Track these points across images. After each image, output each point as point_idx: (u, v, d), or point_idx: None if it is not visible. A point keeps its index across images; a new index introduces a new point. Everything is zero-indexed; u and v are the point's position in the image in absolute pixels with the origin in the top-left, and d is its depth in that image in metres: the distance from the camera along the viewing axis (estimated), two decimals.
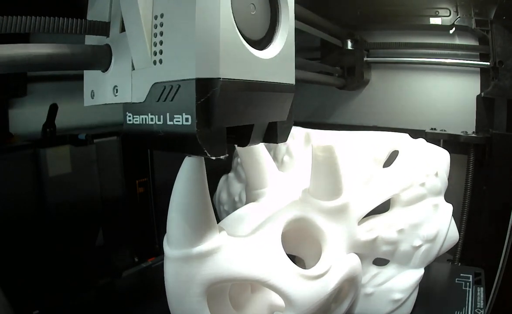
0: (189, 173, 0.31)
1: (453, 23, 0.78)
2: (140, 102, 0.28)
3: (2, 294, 0.37)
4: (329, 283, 0.37)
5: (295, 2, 0.32)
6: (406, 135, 0.49)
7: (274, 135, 0.33)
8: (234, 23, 0.26)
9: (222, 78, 0.25)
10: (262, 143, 0.36)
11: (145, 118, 0.28)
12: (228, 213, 0.47)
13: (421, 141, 0.49)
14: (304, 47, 0.94)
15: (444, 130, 0.78)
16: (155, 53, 0.27)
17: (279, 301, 0.39)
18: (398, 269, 0.45)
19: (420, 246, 0.44)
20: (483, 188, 0.75)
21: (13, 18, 0.25)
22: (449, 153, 0.49)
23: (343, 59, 0.88)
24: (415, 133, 0.50)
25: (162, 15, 0.26)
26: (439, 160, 0.48)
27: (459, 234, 0.52)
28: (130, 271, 0.63)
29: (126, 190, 0.67)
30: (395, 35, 0.85)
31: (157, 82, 0.27)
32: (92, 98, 0.33)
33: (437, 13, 0.80)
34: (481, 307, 0.49)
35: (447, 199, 0.47)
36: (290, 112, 0.34)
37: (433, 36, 0.82)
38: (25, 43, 0.26)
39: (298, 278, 0.36)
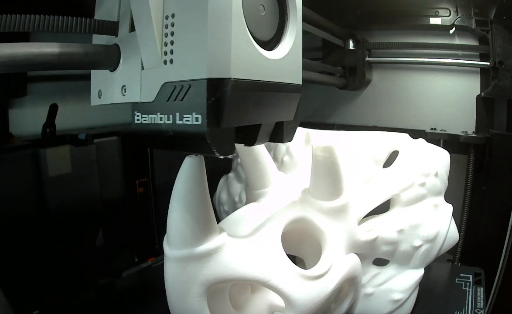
0: (189, 173, 0.31)
1: (453, 23, 0.78)
2: (149, 102, 0.28)
3: (2, 294, 0.37)
4: (329, 283, 0.37)
5: None
6: (406, 135, 0.49)
7: (280, 134, 0.34)
8: (245, 24, 0.26)
9: (233, 78, 0.25)
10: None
11: (154, 118, 0.28)
12: (228, 213, 0.47)
13: (421, 141, 0.49)
14: (305, 47, 0.93)
15: (444, 130, 0.78)
16: (165, 53, 0.27)
17: (279, 301, 0.38)
18: (398, 269, 0.45)
19: (420, 246, 0.44)
20: (483, 188, 0.75)
21: (21, 16, 0.25)
22: (449, 153, 0.49)
23: (345, 59, 0.88)
24: (415, 133, 0.50)
25: (173, 15, 0.26)
26: (439, 160, 0.48)
27: (459, 234, 0.52)
28: (130, 271, 0.63)
29: (126, 190, 0.67)
30: (395, 35, 0.86)
31: (167, 82, 0.27)
32: (100, 97, 0.33)
33: (437, 13, 0.80)
34: (481, 307, 0.49)
35: (447, 199, 0.47)
36: (297, 112, 0.34)
37: (433, 36, 0.82)
38: (35, 42, 0.26)
39: (298, 278, 0.36)
